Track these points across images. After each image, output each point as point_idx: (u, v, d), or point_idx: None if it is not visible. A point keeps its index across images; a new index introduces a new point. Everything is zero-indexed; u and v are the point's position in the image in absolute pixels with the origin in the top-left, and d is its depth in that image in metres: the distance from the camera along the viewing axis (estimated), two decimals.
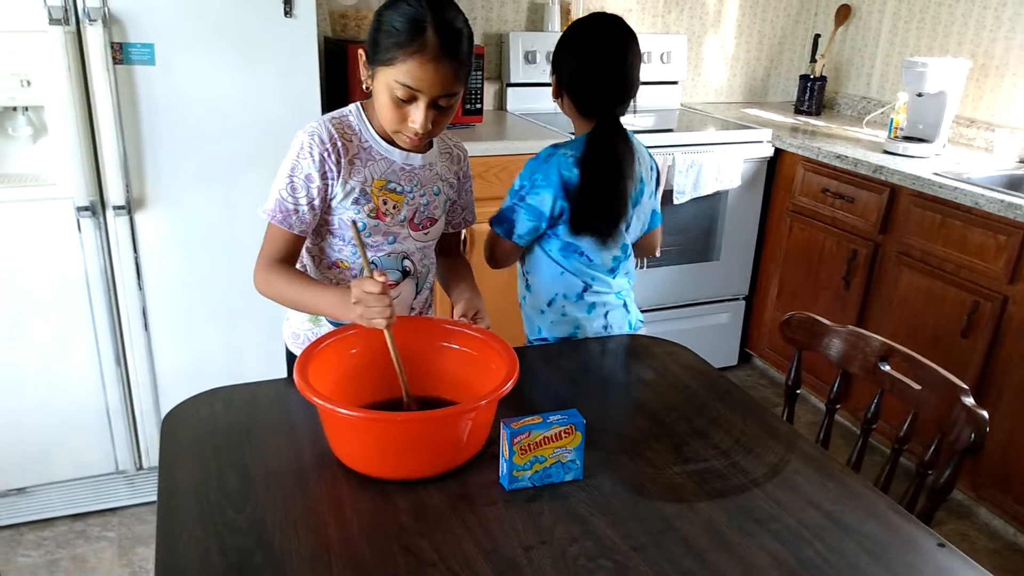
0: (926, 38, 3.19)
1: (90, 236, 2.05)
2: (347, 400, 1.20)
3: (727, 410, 1.42)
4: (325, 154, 1.34)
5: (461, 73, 1.30)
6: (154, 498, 2.33)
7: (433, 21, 1.25)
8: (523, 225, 1.64)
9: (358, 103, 1.44)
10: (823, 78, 3.49)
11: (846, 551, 1.08)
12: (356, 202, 1.39)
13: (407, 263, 1.48)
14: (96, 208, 2.03)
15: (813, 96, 3.49)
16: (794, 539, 1.10)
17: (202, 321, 2.23)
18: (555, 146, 1.64)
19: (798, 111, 3.55)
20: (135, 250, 2.10)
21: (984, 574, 1.06)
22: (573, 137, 1.67)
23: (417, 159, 1.43)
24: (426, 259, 1.52)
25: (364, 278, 1.22)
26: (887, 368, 1.56)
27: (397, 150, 1.41)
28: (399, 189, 1.42)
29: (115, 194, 2.02)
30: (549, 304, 1.72)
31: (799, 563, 1.05)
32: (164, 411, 2.26)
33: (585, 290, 1.70)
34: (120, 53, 1.94)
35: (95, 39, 1.89)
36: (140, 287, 2.14)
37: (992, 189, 2.34)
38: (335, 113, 1.42)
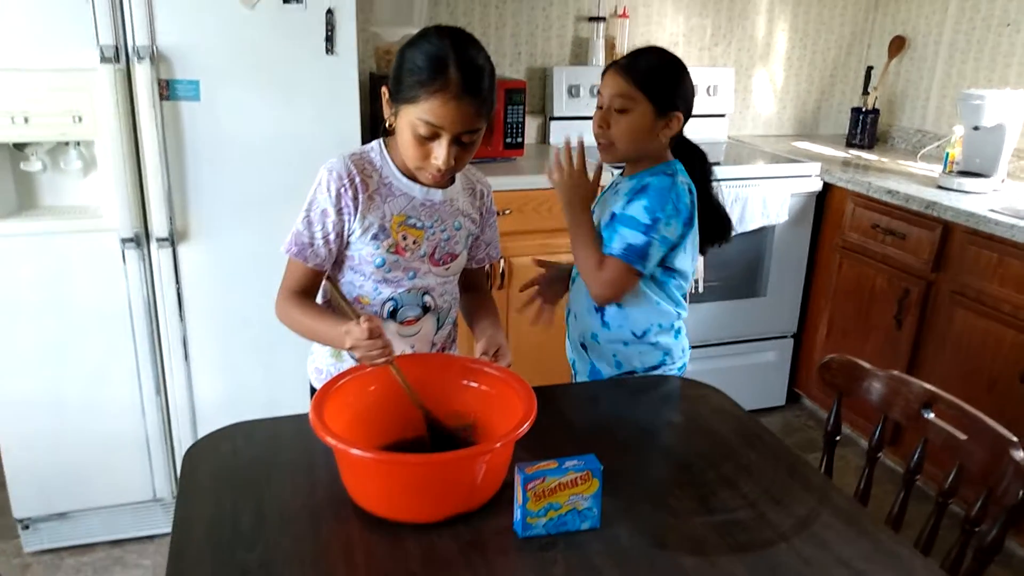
0: (984, 70, 3.08)
1: (134, 267, 2.10)
2: (363, 439, 1.20)
3: (758, 457, 1.37)
4: (342, 190, 1.35)
5: (483, 110, 1.30)
6: None
7: (456, 59, 1.26)
8: (655, 258, 1.59)
9: (380, 140, 1.45)
10: (876, 111, 3.40)
11: None
12: (375, 238, 1.39)
13: (427, 299, 1.47)
14: (140, 240, 2.08)
15: (865, 129, 3.40)
16: None
17: (240, 353, 2.26)
18: (668, 174, 1.61)
19: (850, 144, 3.46)
20: (177, 281, 2.14)
21: None
22: (655, 165, 1.64)
23: (438, 194, 1.43)
24: (447, 295, 1.51)
25: (351, 324, 1.25)
26: (931, 416, 1.49)
27: (418, 186, 1.41)
28: (419, 224, 1.42)
29: (159, 226, 2.07)
30: (642, 335, 1.67)
31: None
32: None
33: (677, 316, 1.71)
34: (167, 89, 2.00)
35: (143, 76, 1.95)
36: (181, 318, 2.18)
37: None
38: (357, 149, 1.44)
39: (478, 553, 1.10)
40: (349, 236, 1.39)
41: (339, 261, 1.43)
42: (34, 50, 1.90)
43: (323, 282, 1.46)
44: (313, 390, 1.56)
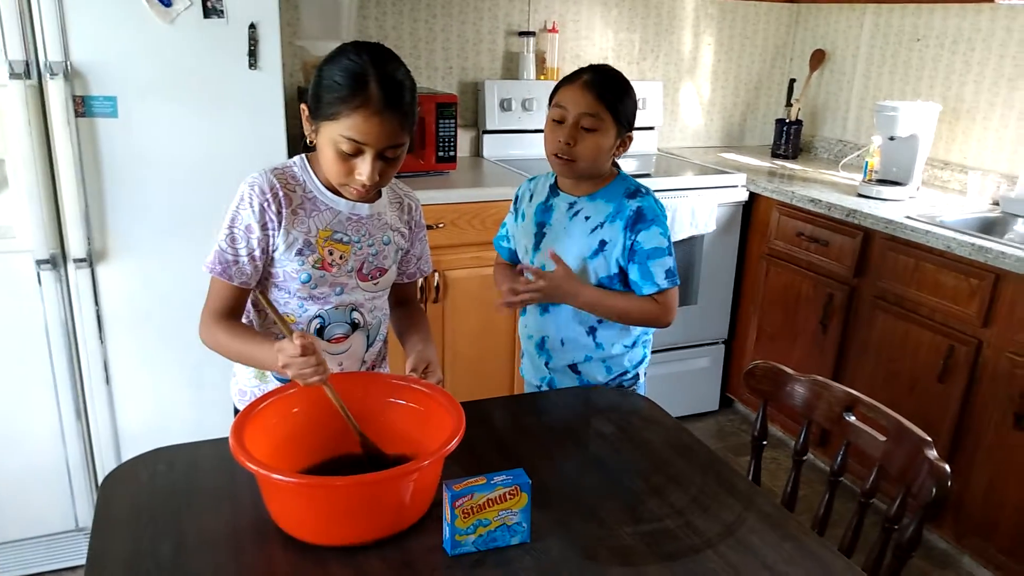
0: (899, 82, 3.21)
1: (51, 289, 2.02)
2: (289, 463, 1.17)
3: (687, 466, 1.38)
4: (265, 204, 1.33)
5: (406, 124, 1.29)
6: None
7: (375, 74, 1.25)
8: None
9: (302, 155, 1.43)
10: (799, 122, 3.51)
11: None
12: (300, 253, 1.37)
13: (356, 315, 1.45)
14: (57, 261, 2.01)
15: (789, 140, 3.51)
16: None
17: (165, 375, 2.19)
18: (640, 192, 1.68)
19: (775, 155, 3.56)
20: (96, 303, 2.07)
21: None
22: (610, 182, 1.70)
23: (364, 208, 1.42)
24: (376, 310, 1.50)
25: (284, 341, 1.22)
26: (852, 418, 1.53)
27: (343, 200, 1.40)
28: (345, 239, 1.40)
29: (76, 247, 2.00)
30: (632, 344, 1.76)
31: None
32: None
33: None
34: (82, 106, 1.93)
35: (56, 93, 1.88)
36: (102, 340, 2.10)
37: (964, 232, 2.33)
38: (278, 164, 1.42)
39: (408, 573, 1.08)
40: (273, 251, 1.37)
41: (262, 278, 1.40)
42: None
43: (251, 296, 1.43)
44: (237, 412, 1.52)
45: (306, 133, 1.34)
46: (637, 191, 1.69)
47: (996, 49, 2.84)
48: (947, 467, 1.31)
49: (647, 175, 3.04)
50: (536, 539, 1.15)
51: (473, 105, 3.19)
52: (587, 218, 1.68)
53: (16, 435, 2.11)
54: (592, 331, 1.71)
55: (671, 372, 3.16)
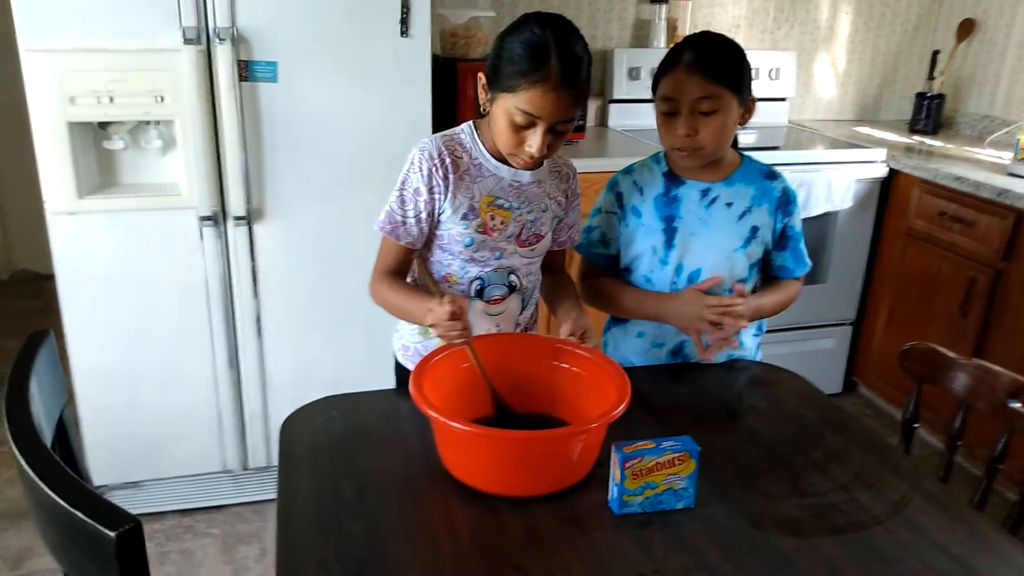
0: None
1: (211, 244, 2.15)
2: (457, 413, 1.22)
3: (844, 443, 1.37)
4: (433, 169, 1.38)
5: (580, 99, 1.31)
6: (258, 498, 2.43)
7: (556, 49, 1.26)
8: None
9: (470, 122, 1.46)
10: (941, 96, 3.34)
11: None
12: (464, 217, 1.41)
13: (513, 278, 1.49)
14: (218, 218, 2.13)
15: (930, 114, 3.34)
16: None
17: (311, 330, 2.30)
18: (772, 173, 1.62)
19: (913, 130, 3.40)
20: (252, 259, 2.19)
21: None
22: (741, 162, 1.61)
23: (526, 176, 1.44)
24: (532, 275, 1.53)
25: (434, 302, 1.27)
26: (1016, 406, 1.47)
27: (506, 167, 1.42)
28: (507, 205, 1.43)
29: (236, 205, 2.11)
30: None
31: None
32: (272, 414, 2.36)
33: None
34: (246, 71, 2.03)
35: (224, 57, 1.98)
36: (255, 294, 2.22)
37: None
38: (447, 132, 1.46)
39: (576, 528, 1.12)
40: (439, 215, 1.41)
41: (428, 240, 1.45)
42: (119, 31, 1.95)
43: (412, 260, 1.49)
44: (399, 366, 1.59)
45: (480, 101, 1.37)
46: (772, 172, 1.61)
47: None
48: None
49: (775, 147, 2.97)
50: (700, 505, 1.17)
51: (601, 74, 3.17)
52: (729, 204, 1.57)
53: (174, 379, 2.26)
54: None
55: (793, 352, 3.09)
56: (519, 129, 1.32)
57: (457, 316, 1.25)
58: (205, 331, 2.23)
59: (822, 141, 3.11)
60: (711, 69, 1.45)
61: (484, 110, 1.38)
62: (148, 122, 2.08)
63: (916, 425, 1.65)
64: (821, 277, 3.04)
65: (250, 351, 2.28)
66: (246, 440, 2.38)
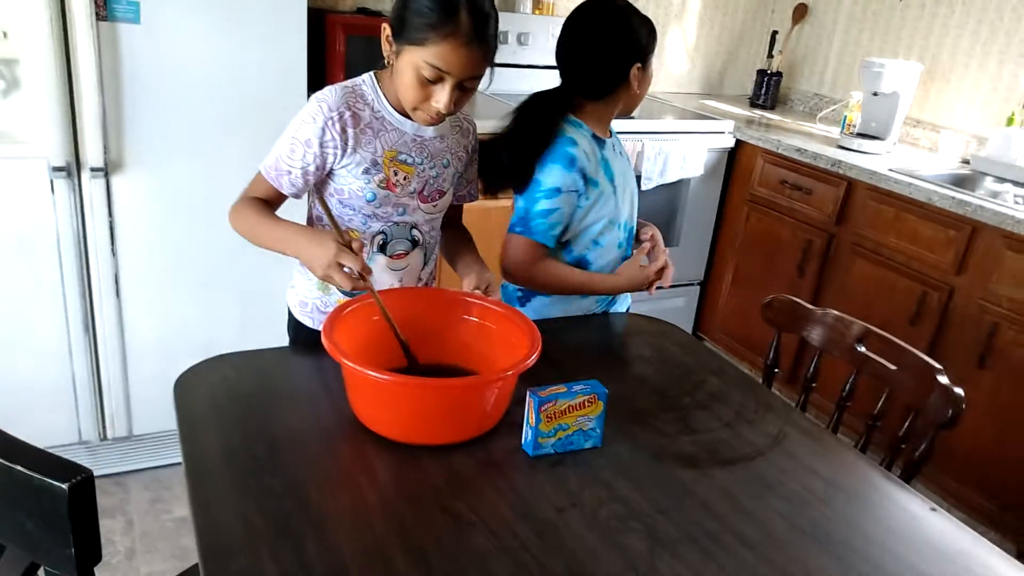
0: (878, 40, 3.34)
1: (63, 198, 1.98)
2: (368, 365, 1.22)
3: (723, 385, 1.49)
4: (328, 123, 1.34)
5: (489, 55, 1.31)
6: (119, 469, 2.29)
7: (466, 3, 1.25)
8: None
9: (371, 73, 1.44)
10: (779, 74, 3.62)
11: (849, 514, 1.16)
12: (366, 172, 1.39)
13: (416, 233, 1.49)
14: (71, 169, 1.96)
15: (769, 91, 3.62)
16: (801, 503, 1.17)
17: (176, 290, 2.18)
18: None
19: (753, 104, 3.67)
20: (110, 214, 2.04)
21: (972, 534, 1.16)
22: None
23: (428, 131, 1.44)
24: (434, 231, 1.54)
25: (347, 253, 1.22)
26: (863, 349, 1.66)
27: (409, 121, 1.41)
28: (409, 161, 1.43)
29: (93, 155, 1.95)
30: None
31: (810, 524, 1.13)
32: (133, 381, 2.23)
33: None
34: (104, 9, 1.87)
35: None
36: (113, 253, 2.07)
37: (943, 186, 2.49)
38: (348, 82, 1.42)
39: (495, 471, 1.16)
40: (333, 167, 1.39)
41: (328, 195, 1.42)
42: None
43: (313, 205, 1.45)
44: (294, 322, 1.55)
45: (385, 54, 1.35)
46: None
47: (975, 14, 2.98)
48: (961, 391, 1.45)
49: (631, 117, 3.11)
50: (606, 444, 1.24)
51: None
52: (621, 152, 1.75)
53: (22, 346, 2.08)
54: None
55: (646, 310, 3.24)
56: (426, 84, 1.30)
57: (361, 275, 1.23)
58: (57, 292, 2.06)
59: (673, 112, 3.29)
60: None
61: (388, 62, 1.36)
62: None
63: (776, 369, 1.81)
64: (673, 241, 3.24)
65: (108, 314, 2.13)
66: (103, 409, 2.23)
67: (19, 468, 0.69)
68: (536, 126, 1.62)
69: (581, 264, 1.68)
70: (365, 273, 1.23)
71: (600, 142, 1.66)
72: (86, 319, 2.11)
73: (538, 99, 1.65)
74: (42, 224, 1.99)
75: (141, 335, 2.19)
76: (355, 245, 1.24)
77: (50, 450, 2.25)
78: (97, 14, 1.86)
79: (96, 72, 1.88)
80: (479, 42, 1.27)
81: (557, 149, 1.59)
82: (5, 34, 1.82)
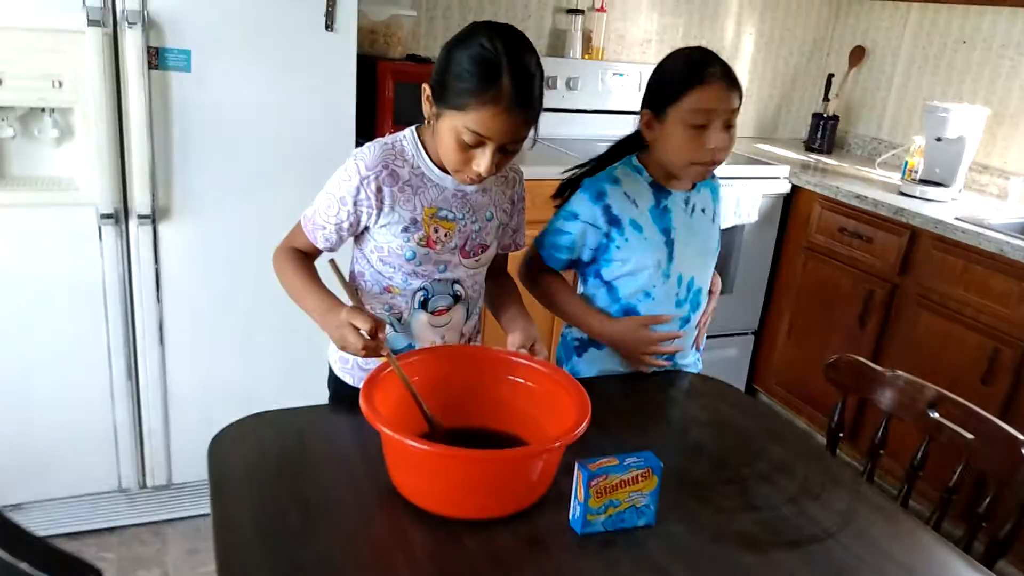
0: (940, 84, 3.23)
1: (111, 244, 1.98)
2: (406, 430, 1.16)
3: (785, 453, 1.39)
4: (364, 182, 1.31)
5: (532, 118, 1.26)
6: (157, 518, 2.26)
7: (509, 67, 1.19)
8: None
9: (414, 128, 1.40)
10: (835, 117, 3.52)
11: None
12: (405, 230, 1.34)
13: (457, 288, 1.44)
14: (119, 216, 1.96)
15: (825, 134, 3.52)
16: None
17: (220, 340, 2.16)
18: None
19: (809, 148, 3.57)
20: (156, 261, 2.03)
21: None
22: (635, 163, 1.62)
23: (471, 186, 1.39)
24: (477, 284, 1.48)
25: (358, 312, 1.21)
26: (936, 415, 1.55)
27: (449, 177, 1.37)
28: (450, 216, 1.38)
29: (140, 203, 1.95)
30: None
31: None
32: (174, 430, 2.20)
33: None
34: (156, 58, 1.88)
35: (132, 43, 1.83)
36: (159, 300, 2.07)
37: (1015, 236, 2.36)
38: (388, 138, 1.38)
39: (541, 550, 1.08)
40: (367, 225, 1.35)
41: (367, 252, 1.39)
42: (14, 6, 1.76)
43: (354, 256, 1.43)
44: (334, 378, 1.50)
45: (425, 114, 1.31)
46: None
47: None
48: None
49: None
50: (660, 522, 1.15)
51: None
52: (703, 210, 1.64)
53: (66, 392, 2.07)
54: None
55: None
56: (467, 148, 1.25)
57: (372, 334, 1.21)
58: (102, 339, 2.05)
59: (728, 157, 3.20)
60: (734, 85, 1.49)
61: (429, 123, 1.32)
62: (43, 109, 1.90)
63: (841, 434, 1.70)
64: (726, 288, 3.13)
65: (151, 361, 2.11)
66: (144, 456, 2.20)
67: (23, 567, 0.64)
68: (602, 157, 1.64)
69: (628, 312, 1.60)
70: (379, 332, 1.20)
71: (662, 191, 1.58)
72: (129, 366, 2.10)
73: (622, 138, 1.65)
74: (89, 270, 1.99)
75: (183, 384, 2.17)
76: (378, 320, 1.22)
77: (88, 497, 2.24)
78: (149, 63, 1.87)
79: (146, 120, 1.89)
80: (522, 107, 1.22)
81: (595, 180, 1.58)
82: (60, 83, 1.84)
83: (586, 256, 1.60)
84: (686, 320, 1.64)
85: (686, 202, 1.61)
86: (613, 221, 1.56)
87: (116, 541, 2.22)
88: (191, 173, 2.00)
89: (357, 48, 2.67)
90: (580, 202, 1.57)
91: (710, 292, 1.72)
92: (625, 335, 1.58)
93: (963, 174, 2.85)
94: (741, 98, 1.49)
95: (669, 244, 1.58)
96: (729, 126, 1.49)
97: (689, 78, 1.44)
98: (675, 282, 1.60)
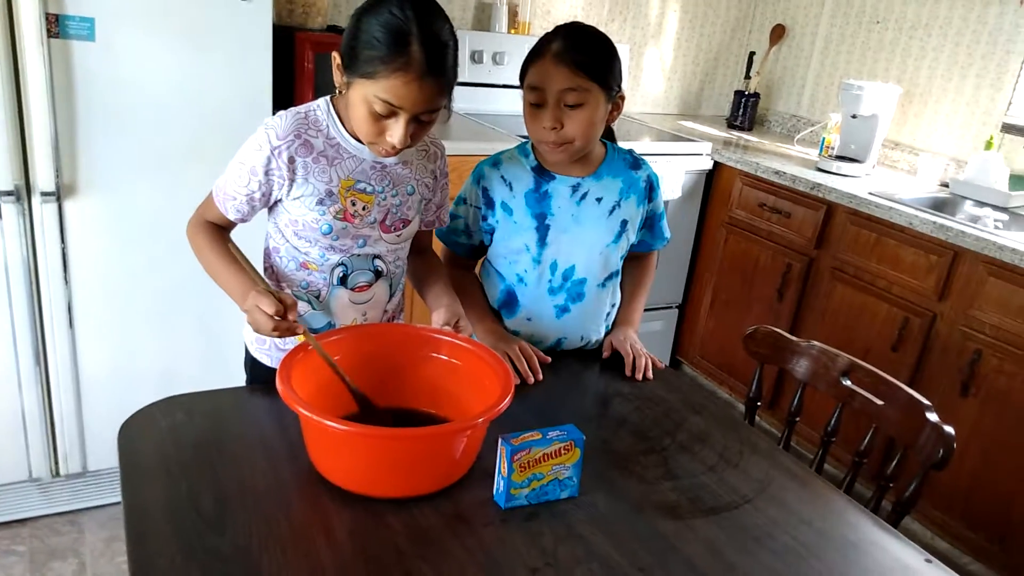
0: (855, 62, 3.32)
1: (12, 223, 1.88)
2: (326, 411, 1.14)
3: (705, 424, 1.42)
4: (275, 152, 1.27)
5: (446, 88, 1.23)
6: (72, 507, 2.18)
7: (419, 34, 1.16)
8: None
9: (328, 97, 1.36)
10: (756, 95, 3.59)
11: (842, 569, 1.09)
12: (321, 203, 1.31)
13: (378, 263, 1.41)
14: (21, 193, 1.86)
15: (746, 112, 3.58)
16: (792, 557, 1.10)
17: (134, 321, 2.08)
18: (636, 160, 1.63)
19: (731, 126, 3.63)
20: (63, 240, 1.94)
21: None
22: (607, 155, 1.58)
23: (390, 157, 1.36)
24: (399, 260, 1.46)
25: (263, 294, 1.18)
26: (849, 383, 1.60)
27: (367, 148, 1.34)
28: (369, 189, 1.35)
29: (44, 179, 1.86)
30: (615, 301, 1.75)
31: None
32: (88, 415, 2.12)
33: None
34: (56, 26, 1.78)
35: (29, 8, 1.73)
36: (66, 281, 1.97)
37: (924, 210, 2.45)
38: (301, 107, 1.34)
39: (464, 526, 1.08)
40: (280, 197, 1.31)
41: (282, 227, 1.35)
42: None
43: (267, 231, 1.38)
44: (251, 360, 1.46)
45: (336, 83, 1.27)
46: (637, 160, 1.62)
47: (952, 37, 2.97)
48: (952, 430, 1.39)
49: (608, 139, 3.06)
50: (582, 493, 1.16)
51: None
52: (599, 200, 1.55)
53: None
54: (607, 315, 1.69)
55: None
56: (379, 118, 1.22)
57: (280, 313, 1.17)
58: (5, 323, 1.95)
59: (650, 133, 3.24)
60: (577, 60, 1.39)
61: (340, 92, 1.28)
62: None
63: (759, 404, 1.75)
64: None
65: (61, 345, 2.02)
66: (56, 444, 2.11)
67: None
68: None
69: (510, 297, 1.60)
70: (288, 313, 1.18)
71: (547, 175, 1.54)
72: (37, 350, 2.00)
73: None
74: None
75: (96, 367, 2.08)
76: (287, 300, 1.19)
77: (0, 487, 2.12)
78: (48, 31, 1.77)
79: (47, 92, 1.79)
80: (434, 75, 1.19)
81: (481, 163, 1.57)
82: None
83: (487, 240, 1.59)
84: (563, 309, 1.60)
85: (574, 188, 1.54)
86: (489, 203, 1.56)
87: (27, 533, 2.12)
88: (98, 148, 1.91)
89: (274, 18, 2.60)
90: (466, 185, 1.58)
91: (626, 324, 1.66)
92: (494, 339, 1.53)
93: (876, 150, 2.95)
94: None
95: (542, 229, 1.54)
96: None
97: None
98: (547, 269, 1.56)
